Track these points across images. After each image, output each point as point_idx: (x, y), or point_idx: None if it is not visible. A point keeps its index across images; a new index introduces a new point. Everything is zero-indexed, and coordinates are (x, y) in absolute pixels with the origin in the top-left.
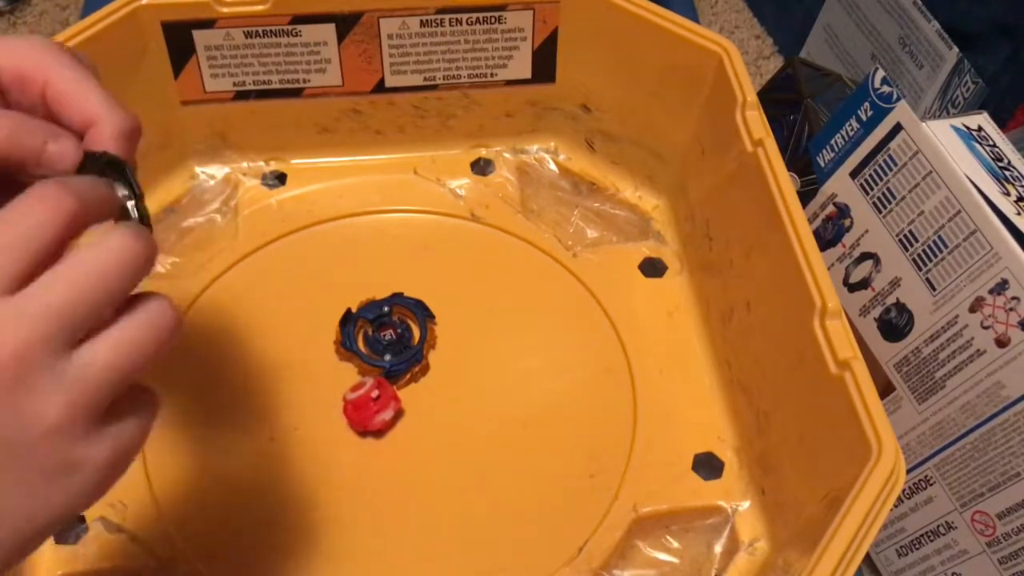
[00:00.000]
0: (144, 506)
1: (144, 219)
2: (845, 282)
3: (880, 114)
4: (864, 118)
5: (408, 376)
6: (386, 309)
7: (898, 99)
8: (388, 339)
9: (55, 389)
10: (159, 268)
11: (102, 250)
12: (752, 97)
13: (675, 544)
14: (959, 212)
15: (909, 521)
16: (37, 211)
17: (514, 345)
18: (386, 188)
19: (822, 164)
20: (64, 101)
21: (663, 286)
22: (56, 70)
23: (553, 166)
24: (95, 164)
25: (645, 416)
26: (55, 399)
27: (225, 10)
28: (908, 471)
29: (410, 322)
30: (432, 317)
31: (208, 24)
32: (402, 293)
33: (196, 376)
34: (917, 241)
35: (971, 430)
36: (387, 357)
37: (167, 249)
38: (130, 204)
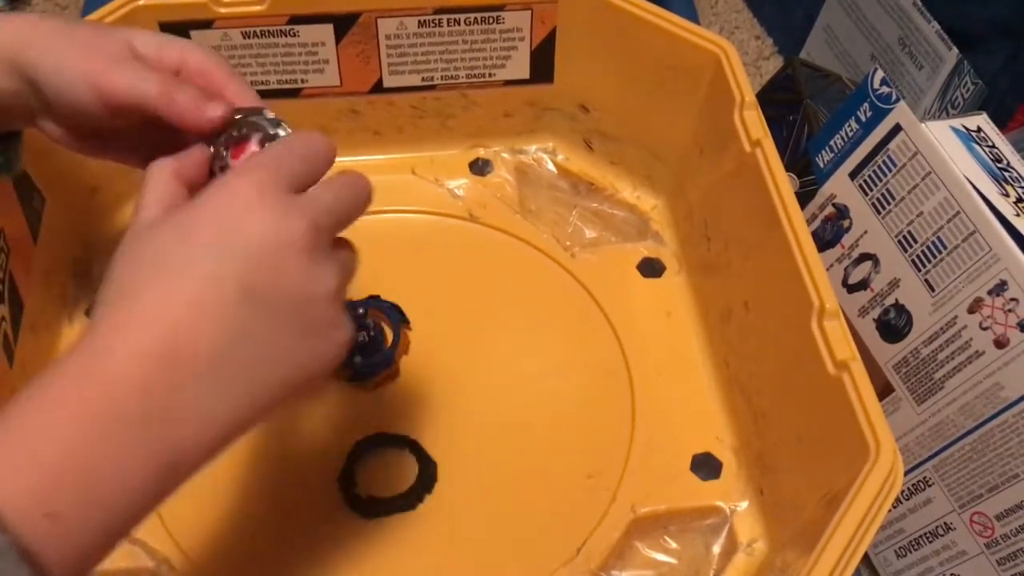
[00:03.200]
0: None
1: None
2: (844, 283)
3: (879, 115)
4: (863, 119)
5: (378, 379)
6: (361, 311)
7: (897, 100)
8: (361, 340)
9: (332, 265)
10: None
11: (348, 179)
12: (750, 97)
13: (673, 545)
14: (958, 213)
15: (908, 522)
16: (323, 144)
17: (512, 345)
18: (384, 188)
19: (821, 165)
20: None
21: (661, 286)
22: (235, 79)
23: (551, 166)
24: (241, 115)
25: (643, 416)
26: (332, 270)
27: (223, 10)
28: (907, 472)
29: (385, 325)
30: (407, 322)
31: (206, 25)
32: (378, 296)
33: None
34: (916, 242)
35: (970, 431)
36: (357, 359)
37: None
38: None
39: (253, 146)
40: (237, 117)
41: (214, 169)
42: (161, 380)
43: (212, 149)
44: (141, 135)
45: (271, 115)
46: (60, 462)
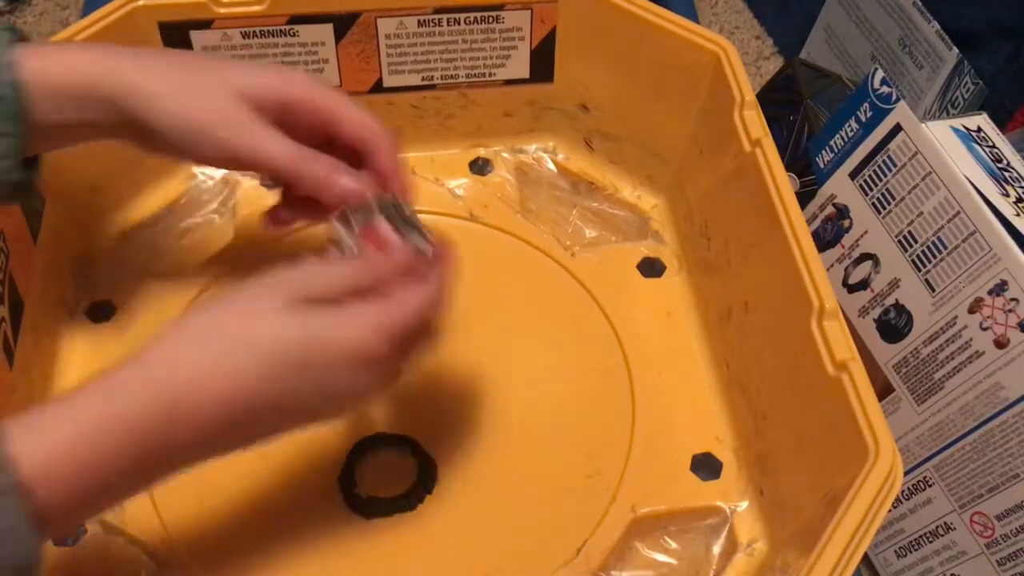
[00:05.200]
0: (142, 508)
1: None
2: (844, 283)
3: (879, 115)
4: (864, 119)
5: None
6: None
7: (897, 100)
8: None
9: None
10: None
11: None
12: (750, 97)
13: (673, 545)
14: (958, 213)
15: (908, 522)
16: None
17: (512, 345)
18: None
19: (821, 165)
20: (345, 125)
21: (662, 286)
22: (341, 102)
23: (552, 166)
24: (383, 205)
25: (643, 416)
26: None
27: (222, 10)
28: (907, 472)
29: None
30: None
31: (205, 24)
32: None
33: None
34: (916, 242)
35: (970, 431)
36: None
37: (165, 250)
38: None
39: (388, 234)
40: (372, 201)
41: (337, 235)
42: (168, 416)
43: (339, 215)
44: None
45: (407, 209)
46: (80, 443)
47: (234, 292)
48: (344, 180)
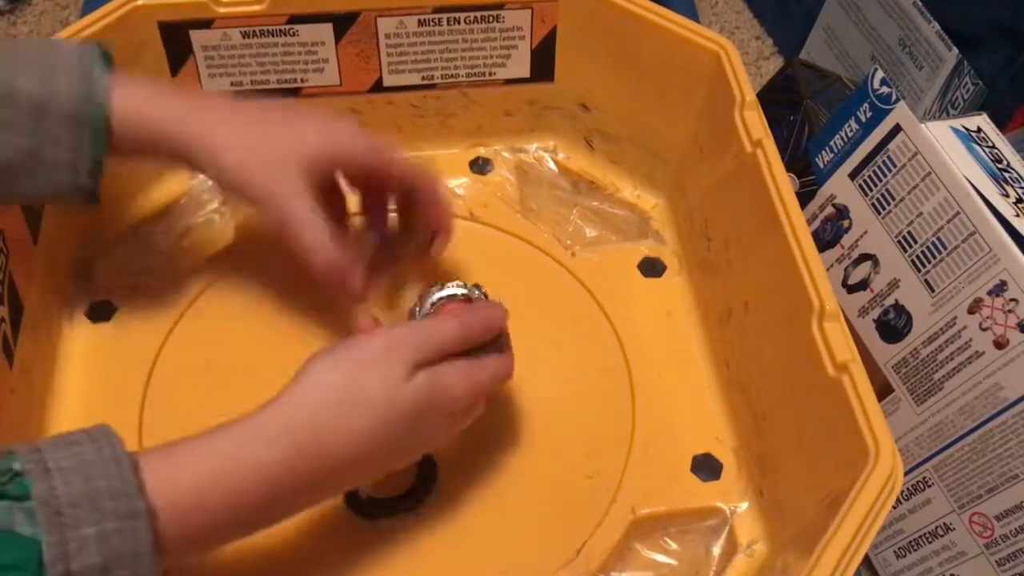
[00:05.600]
0: None
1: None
2: (844, 283)
3: (879, 115)
4: (863, 119)
5: None
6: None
7: (897, 100)
8: None
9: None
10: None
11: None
12: (751, 97)
13: (673, 546)
14: (958, 213)
15: (908, 522)
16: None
17: (512, 345)
18: None
19: (821, 165)
20: (429, 207)
21: (662, 286)
22: (382, 153)
23: (552, 165)
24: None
25: (643, 417)
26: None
27: (222, 10)
28: (907, 472)
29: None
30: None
31: (205, 24)
32: None
33: (194, 377)
34: (916, 242)
35: (969, 431)
36: None
37: (165, 250)
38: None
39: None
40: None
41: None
42: (292, 462)
43: (420, 296)
44: None
45: (470, 285)
46: (209, 482)
47: (357, 351)
48: (355, 281)
